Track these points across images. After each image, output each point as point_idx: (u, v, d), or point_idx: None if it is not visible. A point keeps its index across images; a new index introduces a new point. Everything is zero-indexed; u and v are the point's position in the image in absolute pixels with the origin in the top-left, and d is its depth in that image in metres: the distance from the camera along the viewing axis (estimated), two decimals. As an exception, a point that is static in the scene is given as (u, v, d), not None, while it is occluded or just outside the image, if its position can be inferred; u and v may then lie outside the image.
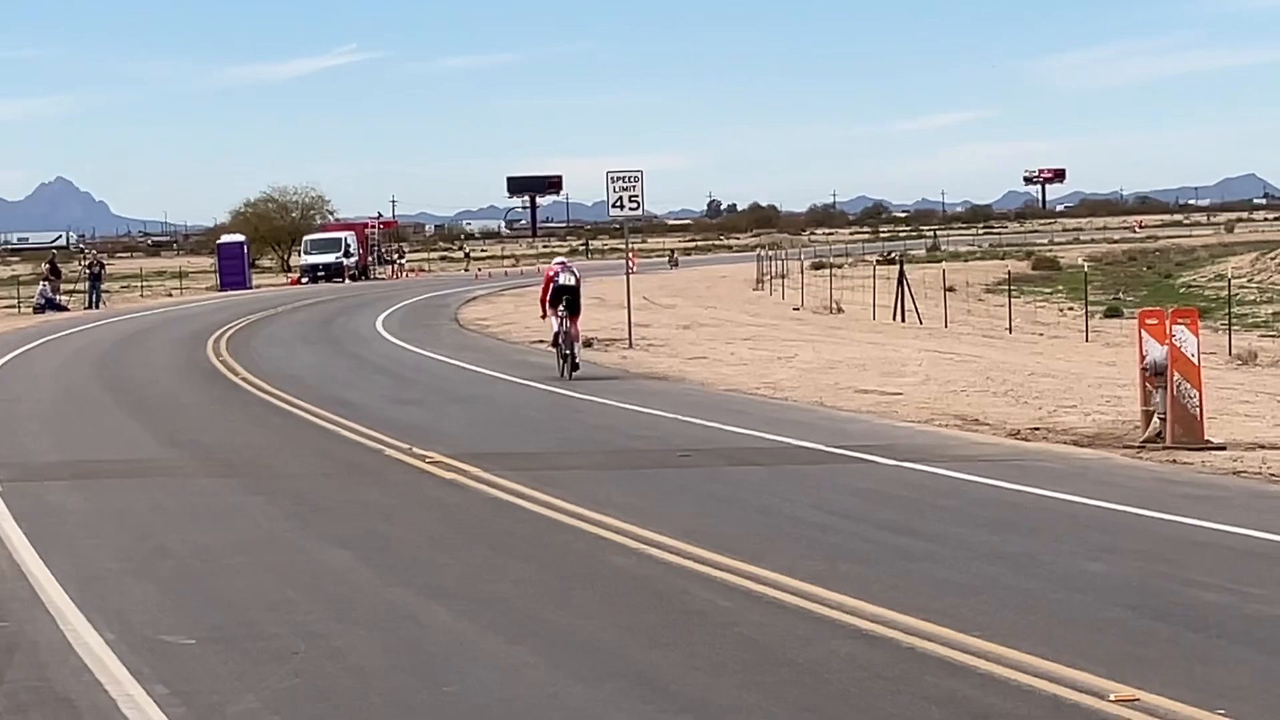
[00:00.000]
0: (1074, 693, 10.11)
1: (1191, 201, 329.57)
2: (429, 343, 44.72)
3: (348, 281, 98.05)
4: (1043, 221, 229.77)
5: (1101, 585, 13.23)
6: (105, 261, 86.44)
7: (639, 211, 41.42)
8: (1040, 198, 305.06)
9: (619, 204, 40.27)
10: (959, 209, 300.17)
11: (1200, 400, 20.99)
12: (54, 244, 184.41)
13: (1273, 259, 78.38)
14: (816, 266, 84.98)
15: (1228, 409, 24.34)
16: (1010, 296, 56.77)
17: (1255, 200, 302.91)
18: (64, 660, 11.62)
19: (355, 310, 63.86)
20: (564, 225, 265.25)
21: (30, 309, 72.33)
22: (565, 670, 11.06)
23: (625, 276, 44.69)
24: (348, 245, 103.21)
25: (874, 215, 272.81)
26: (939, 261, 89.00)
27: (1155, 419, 21.17)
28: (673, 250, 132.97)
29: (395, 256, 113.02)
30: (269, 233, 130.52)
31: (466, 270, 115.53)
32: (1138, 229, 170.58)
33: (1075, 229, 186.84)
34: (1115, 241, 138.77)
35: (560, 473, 19.95)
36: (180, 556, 15.38)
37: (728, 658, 11.21)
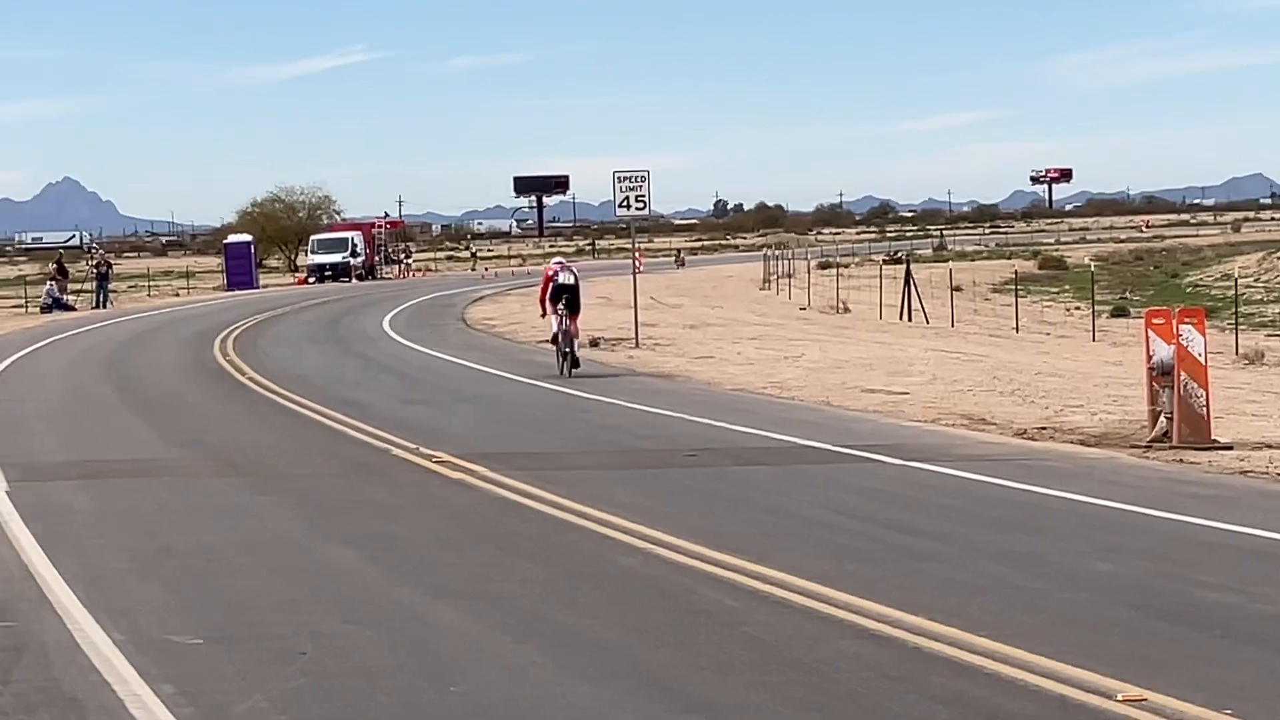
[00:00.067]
0: (1081, 692, 10.11)
1: (1198, 201, 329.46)
2: (436, 342, 44.73)
3: (354, 281, 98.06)
4: (1049, 221, 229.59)
5: (1108, 585, 13.23)
6: (112, 261, 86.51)
7: (645, 211, 41.41)
8: (1047, 197, 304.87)
9: (626, 204, 40.27)
10: (965, 209, 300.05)
11: (1207, 400, 20.98)
12: (67, 243, 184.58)
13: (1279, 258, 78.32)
14: (823, 266, 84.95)
15: (1235, 408, 24.32)
16: (1017, 296, 56.73)
17: (1262, 200, 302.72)
18: (71, 660, 11.63)
19: (362, 310, 63.88)
20: (571, 225, 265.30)
21: (37, 309, 72.42)
22: (572, 670, 11.06)
23: (632, 276, 44.67)
24: (354, 245, 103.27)
25: (880, 215, 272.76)
26: (945, 261, 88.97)
27: (1162, 418, 21.16)
28: (679, 250, 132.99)
29: (402, 256, 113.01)
30: (276, 233, 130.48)
31: (473, 270, 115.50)
32: (1144, 228, 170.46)
33: (1082, 228, 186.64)
34: (1122, 241, 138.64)
35: (567, 472, 19.95)
36: (187, 556, 15.39)
37: (735, 657, 11.21)
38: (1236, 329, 43.65)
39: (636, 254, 51.89)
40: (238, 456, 22.42)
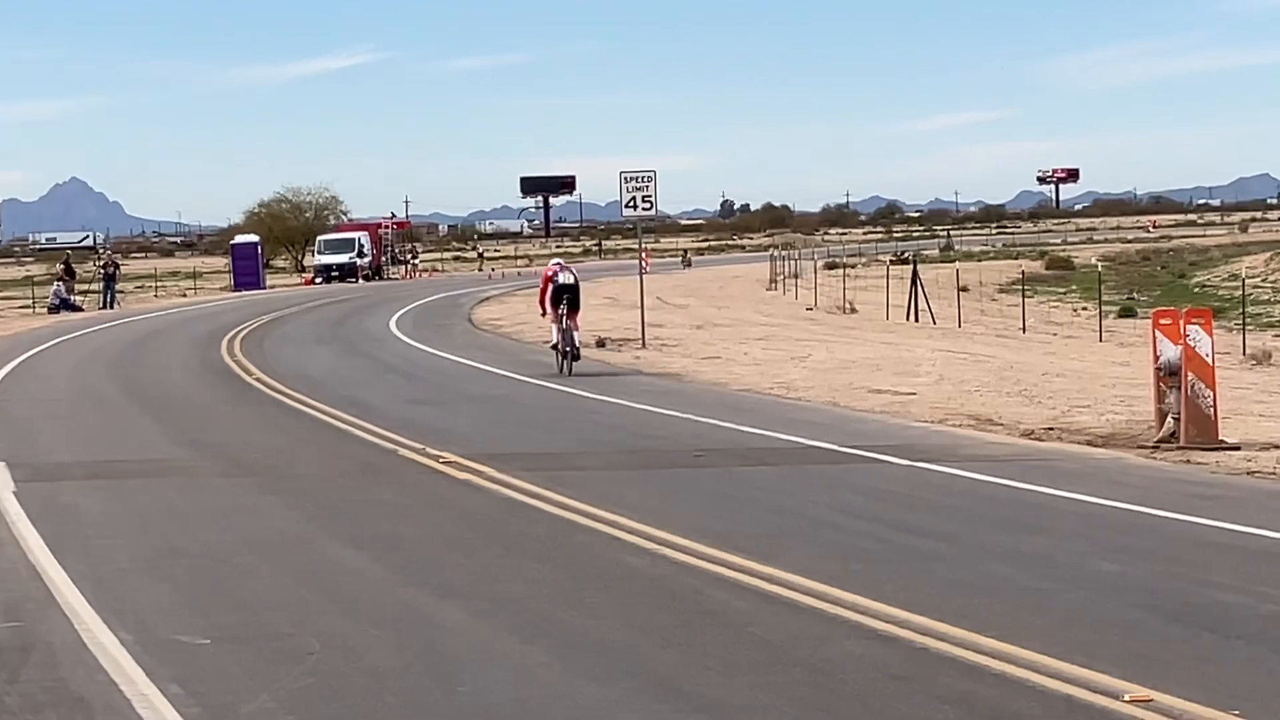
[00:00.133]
0: (1088, 693, 10.10)
1: (1205, 201, 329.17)
2: (442, 343, 44.74)
3: (361, 282, 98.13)
4: (1056, 221, 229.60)
5: (1115, 585, 13.22)
6: (120, 262, 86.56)
7: (652, 211, 41.44)
8: (1054, 197, 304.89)
9: (632, 204, 40.28)
10: (972, 209, 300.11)
11: (1214, 400, 20.96)
12: (81, 244, 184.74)
13: (1287, 258, 78.20)
14: (830, 266, 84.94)
15: (1242, 409, 24.31)
16: (1024, 296, 56.73)
17: (1269, 200, 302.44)
18: (79, 660, 11.64)
19: (368, 310, 63.90)
20: (577, 225, 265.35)
21: (45, 309, 72.47)
22: (579, 670, 11.06)
23: (638, 276, 44.68)
24: (361, 245, 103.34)
25: (887, 215, 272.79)
26: (952, 261, 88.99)
27: (1169, 419, 21.15)
28: (686, 250, 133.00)
29: (409, 257, 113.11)
30: (283, 233, 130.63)
31: (480, 270, 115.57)
32: (1152, 229, 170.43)
33: (1089, 229, 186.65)
34: (1129, 241, 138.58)
35: (574, 473, 19.96)
36: (194, 556, 15.40)
37: (741, 658, 11.21)
38: (1244, 329, 43.63)
39: (643, 254, 51.90)
40: (245, 456, 22.43)
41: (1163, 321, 21.47)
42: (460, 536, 16.22)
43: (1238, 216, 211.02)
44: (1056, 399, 26.66)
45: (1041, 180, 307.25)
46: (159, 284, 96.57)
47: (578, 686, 10.70)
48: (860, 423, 24.79)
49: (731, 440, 23.02)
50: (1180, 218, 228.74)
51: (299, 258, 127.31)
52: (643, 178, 40.16)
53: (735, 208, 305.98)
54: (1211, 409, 20.92)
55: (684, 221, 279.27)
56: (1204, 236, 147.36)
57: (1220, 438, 20.86)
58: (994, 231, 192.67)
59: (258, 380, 34.28)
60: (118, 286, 78.12)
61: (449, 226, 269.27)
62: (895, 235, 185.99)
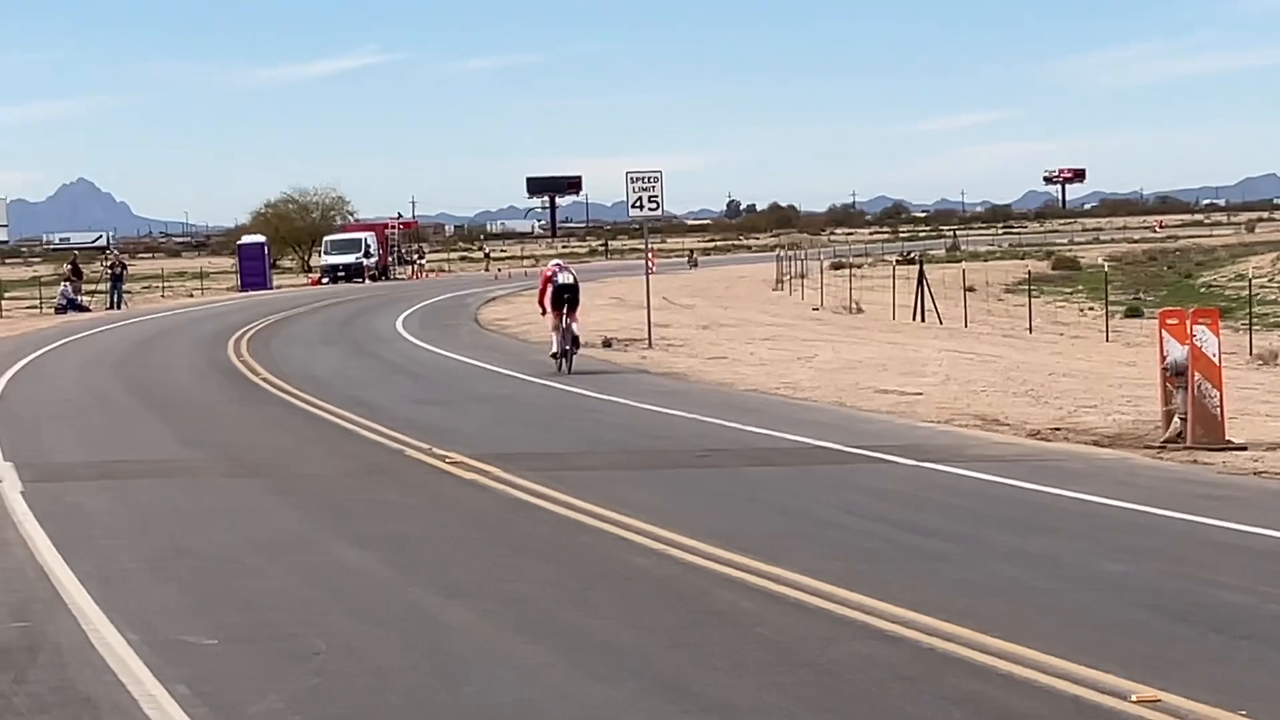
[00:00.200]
0: (1095, 693, 10.10)
1: (1212, 201, 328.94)
2: (449, 343, 44.76)
3: (368, 282, 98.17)
4: (1063, 221, 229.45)
5: (1122, 585, 13.22)
6: (127, 262, 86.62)
7: (658, 212, 41.42)
8: (1060, 198, 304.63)
9: (638, 204, 40.27)
10: (979, 209, 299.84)
11: (1221, 400, 20.95)
12: (93, 244, 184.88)
13: (1294, 258, 78.14)
14: (836, 266, 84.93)
15: (1249, 409, 24.29)
16: (1030, 296, 56.70)
17: (1276, 200, 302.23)
18: (86, 660, 11.65)
19: (375, 310, 63.92)
20: (583, 225, 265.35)
21: (52, 309, 72.54)
22: (585, 670, 11.07)
23: (645, 277, 44.67)
24: (368, 246, 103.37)
25: (893, 215, 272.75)
26: (959, 261, 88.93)
27: (1176, 419, 21.14)
28: (692, 250, 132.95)
29: (415, 257, 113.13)
30: (289, 233, 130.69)
31: (486, 270, 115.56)
32: (1158, 229, 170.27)
33: (1095, 229, 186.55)
34: (1135, 241, 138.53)
35: (580, 473, 19.96)
36: (201, 556, 15.41)
37: (748, 658, 11.21)
38: (1251, 329, 43.61)
39: (649, 254, 51.88)
40: (251, 457, 22.44)
41: (1169, 322, 21.46)
42: (466, 536, 16.23)
43: (1244, 216, 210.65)
44: (1063, 399, 26.65)
45: (1048, 180, 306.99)
46: (166, 284, 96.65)
47: (584, 687, 10.70)
48: (866, 423, 24.78)
49: (738, 440, 23.02)
50: (1187, 218, 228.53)
51: (306, 258, 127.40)
52: (649, 178, 40.15)
53: (741, 208, 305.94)
54: (1218, 409, 20.91)
55: (690, 222, 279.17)
56: (1210, 236, 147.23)
57: (1227, 438, 20.85)
58: (1000, 231, 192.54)
59: (264, 380, 34.30)
60: (125, 287, 78.20)
61: (455, 227, 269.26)
62: (901, 235, 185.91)
